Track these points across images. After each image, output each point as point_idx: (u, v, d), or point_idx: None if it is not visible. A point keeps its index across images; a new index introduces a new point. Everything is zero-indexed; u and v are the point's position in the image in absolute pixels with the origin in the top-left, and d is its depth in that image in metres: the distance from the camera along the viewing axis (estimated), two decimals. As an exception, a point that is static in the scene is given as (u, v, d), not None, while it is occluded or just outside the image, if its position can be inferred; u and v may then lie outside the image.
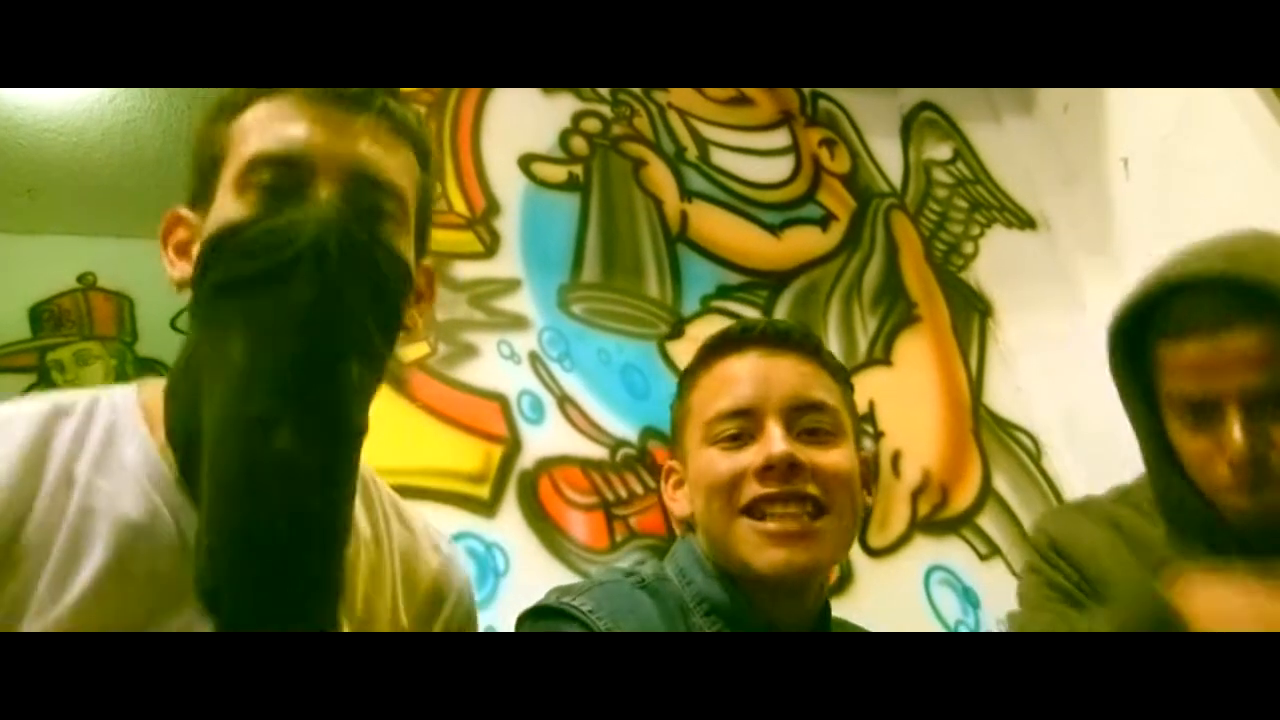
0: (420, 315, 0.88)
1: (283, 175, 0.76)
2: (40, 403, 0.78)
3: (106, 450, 0.76)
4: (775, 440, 0.98)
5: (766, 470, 0.97)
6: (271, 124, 0.79)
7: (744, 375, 1.03)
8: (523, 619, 1.01)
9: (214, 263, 0.75)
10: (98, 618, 0.69)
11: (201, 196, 0.81)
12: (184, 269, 0.80)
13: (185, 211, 0.83)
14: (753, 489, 0.98)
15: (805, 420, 1.00)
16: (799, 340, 1.06)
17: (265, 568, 0.67)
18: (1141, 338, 1.07)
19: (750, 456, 0.98)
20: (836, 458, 1.00)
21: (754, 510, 0.97)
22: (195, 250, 0.78)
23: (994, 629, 1.89)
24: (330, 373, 0.72)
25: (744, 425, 1.01)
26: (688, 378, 1.10)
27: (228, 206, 0.77)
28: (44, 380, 3.54)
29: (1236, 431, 0.97)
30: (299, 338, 0.70)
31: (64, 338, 3.61)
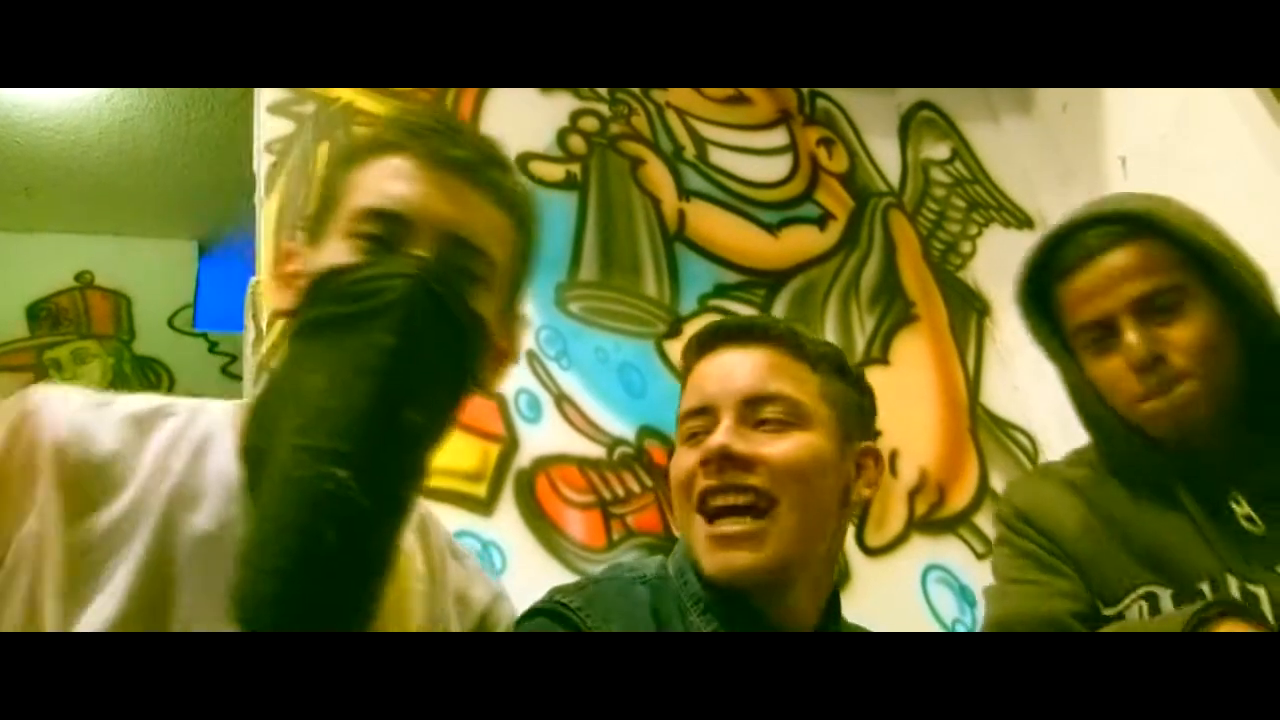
0: (499, 372, 0.93)
1: (386, 229, 0.83)
2: (148, 399, 0.85)
3: (199, 456, 0.82)
4: (718, 434, 0.99)
5: (705, 464, 0.99)
6: (385, 180, 0.85)
7: (710, 373, 1.05)
8: (517, 621, 1.02)
9: (313, 301, 0.81)
10: (159, 619, 0.74)
11: (315, 233, 0.87)
12: (287, 298, 0.86)
13: (297, 245, 0.90)
14: (699, 483, 0.99)
15: (763, 412, 1.01)
16: (762, 331, 1.06)
17: (303, 591, 0.70)
18: (1044, 293, 1.18)
19: (699, 452, 1.00)
20: (786, 447, 0.99)
21: (705, 506, 0.99)
22: (300, 283, 0.84)
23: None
24: (396, 418, 0.76)
25: (704, 423, 1.02)
26: (683, 380, 1.11)
27: (334, 250, 0.83)
28: (41, 379, 3.54)
29: (1132, 336, 1.08)
30: (372, 380, 0.74)
31: (61, 336, 3.61)
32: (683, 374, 1.10)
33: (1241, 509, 1.08)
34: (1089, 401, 1.17)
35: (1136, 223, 1.11)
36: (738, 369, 1.03)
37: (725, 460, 0.97)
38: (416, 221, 0.83)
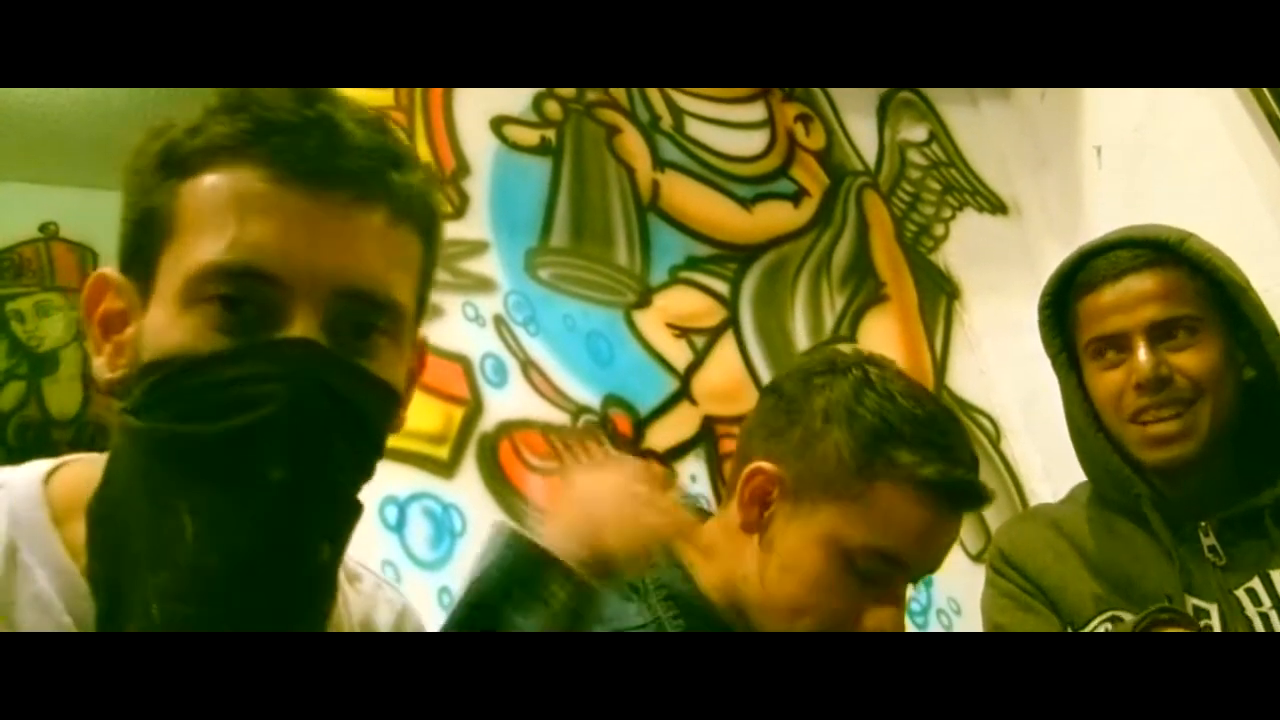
0: (406, 404, 0.73)
1: (247, 290, 0.60)
2: None
3: (10, 572, 0.60)
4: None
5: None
6: (232, 215, 0.61)
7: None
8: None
9: (158, 400, 0.60)
10: None
11: (138, 270, 0.64)
12: (115, 366, 0.64)
13: (115, 275, 0.66)
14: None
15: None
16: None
17: None
18: (1065, 304, 1.22)
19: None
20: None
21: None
22: (131, 337, 0.63)
23: (943, 606, 1.91)
24: (296, 562, 0.60)
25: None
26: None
27: (176, 322, 0.61)
28: (3, 330, 3.49)
29: (1143, 355, 1.13)
30: (262, 530, 0.58)
31: (24, 288, 3.56)
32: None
33: (1207, 540, 1.13)
34: (1080, 415, 1.20)
35: (1166, 250, 1.15)
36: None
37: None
38: (291, 280, 0.60)
